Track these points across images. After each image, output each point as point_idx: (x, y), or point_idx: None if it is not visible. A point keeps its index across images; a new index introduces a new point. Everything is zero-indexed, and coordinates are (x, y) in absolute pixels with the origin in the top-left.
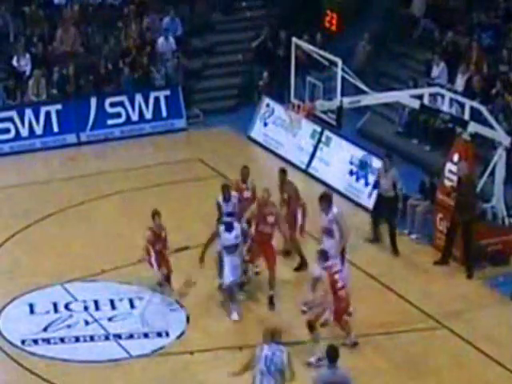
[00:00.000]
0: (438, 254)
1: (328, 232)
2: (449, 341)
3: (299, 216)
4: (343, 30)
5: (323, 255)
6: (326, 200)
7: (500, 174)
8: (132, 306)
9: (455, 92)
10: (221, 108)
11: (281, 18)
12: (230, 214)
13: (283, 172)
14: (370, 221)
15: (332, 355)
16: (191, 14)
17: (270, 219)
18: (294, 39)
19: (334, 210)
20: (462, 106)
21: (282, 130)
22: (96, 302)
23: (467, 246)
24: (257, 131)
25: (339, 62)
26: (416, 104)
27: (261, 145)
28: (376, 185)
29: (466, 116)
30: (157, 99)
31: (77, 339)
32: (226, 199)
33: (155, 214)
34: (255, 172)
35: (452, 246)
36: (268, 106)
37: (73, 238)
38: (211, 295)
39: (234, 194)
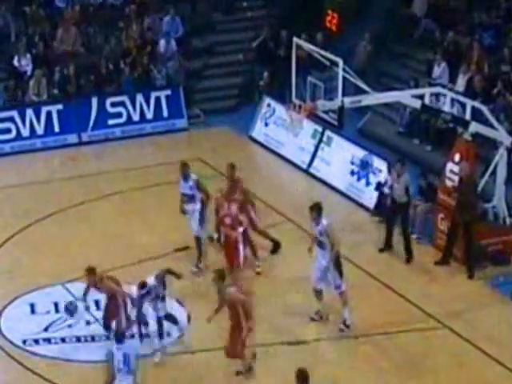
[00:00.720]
0: (438, 253)
1: (319, 243)
2: (449, 340)
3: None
4: (344, 30)
5: (221, 277)
6: (316, 210)
7: (501, 173)
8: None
9: (456, 92)
10: (222, 108)
11: (281, 17)
12: (186, 196)
13: (232, 167)
14: (384, 228)
15: (302, 378)
16: (192, 14)
17: (228, 221)
18: (294, 39)
19: (324, 221)
20: (463, 105)
21: (283, 130)
22: (97, 302)
23: (468, 246)
24: (258, 131)
25: (340, 61)
26: (417, 104)
27: (262, 145)
28: (378, 186)
29: (468, 116)
30: (158, 99)
31: (78, 339)
32: (184, 178)
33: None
34: (256, 172)
35: (453, 246)
36: (269, 105)
37: (73, 237)
38: (211, 295)
39: (193, 177)
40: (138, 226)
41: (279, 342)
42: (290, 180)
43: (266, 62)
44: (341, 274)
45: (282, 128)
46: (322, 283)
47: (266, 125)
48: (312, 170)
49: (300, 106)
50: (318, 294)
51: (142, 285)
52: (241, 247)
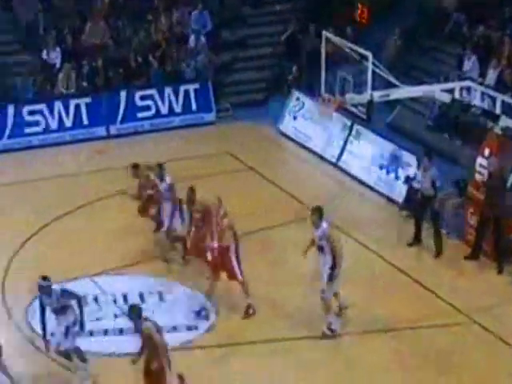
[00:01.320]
0: (468, 248)
1: (319, 248)
2: (478, 336)
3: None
4: (374, 24)
5: (136, 313)
6: (316, 214)
7: None
8: (161, 299)
9: (486, 86)
10: (250, 101)
11: (310, 11)
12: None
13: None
14: (413, 222)
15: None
16: (221, 8)
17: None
18: (324, 32)
19: (324, 225)
20: (493, 99)
21: (311, 124)
22: (125, 296)
23: (497, 241)
24: (286, 125)
25: (370, 55)
26: (447, 98)
27: (290, 138)
28: (407, 180)
29: (498, 110)
30: (186, 92)
31: (105, 332)
32: (160, 179)
33: None
34: (284, 166)
35: (482, 241)
36: (298, 99)
37: (100, 231)
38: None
39: (168, 180)
40: None
41: (300, 337)
42: (319, 174)
43: (294, 56)
44: (330, 279)
45: (310, 122)
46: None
47: (295, 118)
48: (341, 164)
49: (329, 100)
50: (335, 295)
51: (43, 277)
52: (233, 257)
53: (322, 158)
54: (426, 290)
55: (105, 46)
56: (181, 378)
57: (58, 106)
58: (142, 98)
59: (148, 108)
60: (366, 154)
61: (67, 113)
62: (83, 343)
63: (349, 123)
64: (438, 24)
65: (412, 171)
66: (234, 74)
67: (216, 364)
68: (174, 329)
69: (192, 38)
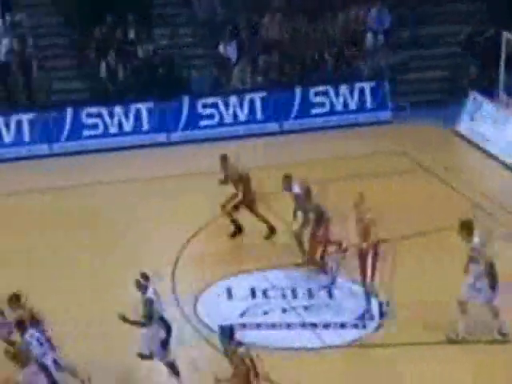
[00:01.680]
0: None
1: (472, 259)
2: None
3: None
4: None
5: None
6: (465, 229)
7: None
8: (330, 296)
9: None
10: (427, 101)
11: (490, 11)
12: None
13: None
14: None
15: None
16: (400, 6)
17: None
18: (504, 33)
19: (476, 239)
20: None
21: (489, 126)
22: (293, 291)
23: None
24: (464, 126)
25: None
26: None
27: (468, 140)
28: None
29: None
30: (362, 90)
31: (273, 326)
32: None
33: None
34: (460, 167)
35: None
36: (476, 100)
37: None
38: (412, 290)
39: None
40: (339, 217)
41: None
42: (496, 177)
43: (472, 56)
44: (493, 286)
45: (488, 123)
46: (472, 299)
47: (472, 120)
48: None
49: (508, 102)
50: (464, 306)
51: (144, 276)
52: (369, 259)
53: (499, 160)
54: None
55: (281, 42)
56: None
57: (233, 100)
58: (317, 94)
59: (322, 105)
60: None
61: (242, 107)
62: (250, 336)
63: None
64: None
65: None
66: (411, 73)
67: (382, 364)
68: (343, 326)
69: (369, 35)
